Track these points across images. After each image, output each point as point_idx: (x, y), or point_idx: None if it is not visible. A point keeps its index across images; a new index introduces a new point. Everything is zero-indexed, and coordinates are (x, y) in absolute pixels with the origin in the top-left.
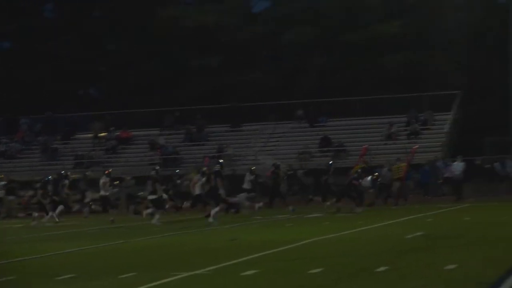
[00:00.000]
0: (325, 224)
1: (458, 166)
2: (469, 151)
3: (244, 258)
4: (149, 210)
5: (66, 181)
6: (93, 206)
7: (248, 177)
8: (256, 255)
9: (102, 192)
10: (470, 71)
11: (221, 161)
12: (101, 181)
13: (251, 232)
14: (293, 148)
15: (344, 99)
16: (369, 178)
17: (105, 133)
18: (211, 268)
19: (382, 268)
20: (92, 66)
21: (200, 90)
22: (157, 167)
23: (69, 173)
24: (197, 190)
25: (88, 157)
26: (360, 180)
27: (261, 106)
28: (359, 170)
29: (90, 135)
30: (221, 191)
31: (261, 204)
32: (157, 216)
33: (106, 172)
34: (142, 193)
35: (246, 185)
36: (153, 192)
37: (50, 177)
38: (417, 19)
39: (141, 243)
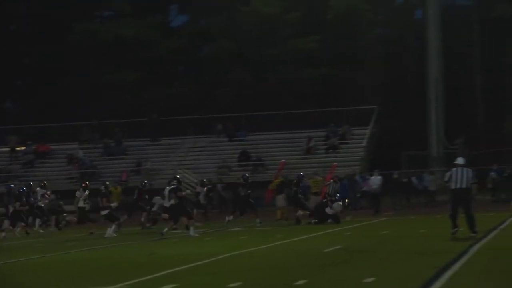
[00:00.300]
0: (244, 238)
1: (376, 180)
2: (387, 165)
3: (163, 272)
4: (112, 229)
5: (46, 191)
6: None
7: (199, 190)
8: (175, 269)
9: (80, 204)
10: (388, 86)
11: (178, 176)
12: (78, 193)
13: (171, 246)
14: (212, 162)
15: (263, 113)
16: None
17: (22, 147)
18: (130, 282)
19: (300, 282)
20: (9, 80)
21: (119, 104)
22: (107, 182)
23: (45, 182)
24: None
25: (5, 171)
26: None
27: (180, 120)
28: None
29: (6, 149)
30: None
31: (231, 217)
32: (112, 228)
33: (83, 184)
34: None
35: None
36: (103, 208)
37: (24, 188)
38: (336, 34)
39: (60, 257)
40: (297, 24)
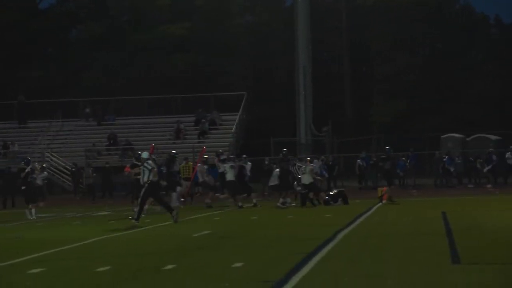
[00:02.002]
0: (113, 223)
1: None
2: (257, 151)
3: (31, 256)
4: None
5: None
6: None
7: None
8: (43, 253)
9: None
10: (258, 73)
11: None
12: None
13: (38, 230)
14: (80, 146)
15: (132, 97)
16: None
17: None
18: None
19: (169, 266)
20: None
21: None
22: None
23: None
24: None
25: None
26: None
27: (48, 103)
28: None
29: None
30: None
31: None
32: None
33: None
34: None
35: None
36: None
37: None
38: (205, 20)
39: None
40: (167, 10)
